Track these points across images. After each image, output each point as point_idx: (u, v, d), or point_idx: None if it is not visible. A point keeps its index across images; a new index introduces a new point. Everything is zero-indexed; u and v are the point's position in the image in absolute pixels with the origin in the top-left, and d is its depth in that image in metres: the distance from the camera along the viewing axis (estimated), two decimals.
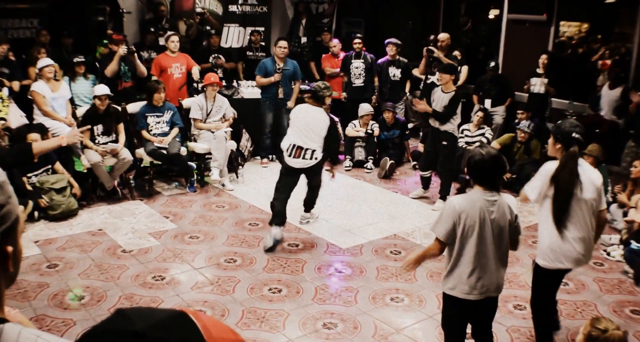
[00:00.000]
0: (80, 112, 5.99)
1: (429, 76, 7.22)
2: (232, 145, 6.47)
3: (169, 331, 0.76)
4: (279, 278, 4.32)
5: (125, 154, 5.73)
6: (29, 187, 5.10)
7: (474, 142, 6.82)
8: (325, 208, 5.76)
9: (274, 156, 7.31)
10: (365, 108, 7.18)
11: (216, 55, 7.39)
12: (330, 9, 9.17)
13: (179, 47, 6.75)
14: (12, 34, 7.37)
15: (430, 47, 7.18)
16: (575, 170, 3.09)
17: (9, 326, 0.89)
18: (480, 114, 6.95)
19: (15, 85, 6.02)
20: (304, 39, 8.57)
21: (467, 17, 9.54)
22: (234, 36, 8.41)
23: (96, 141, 5.75)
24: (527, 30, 8.03)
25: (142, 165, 6.05)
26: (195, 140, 6.37)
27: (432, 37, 7.97)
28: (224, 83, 6.95)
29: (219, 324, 0.84)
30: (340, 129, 7.33)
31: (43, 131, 5.33)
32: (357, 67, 7.55)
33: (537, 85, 7.30)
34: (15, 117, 5.62)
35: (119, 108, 5.99)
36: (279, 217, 4.85)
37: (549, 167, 3.15)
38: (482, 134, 6.90)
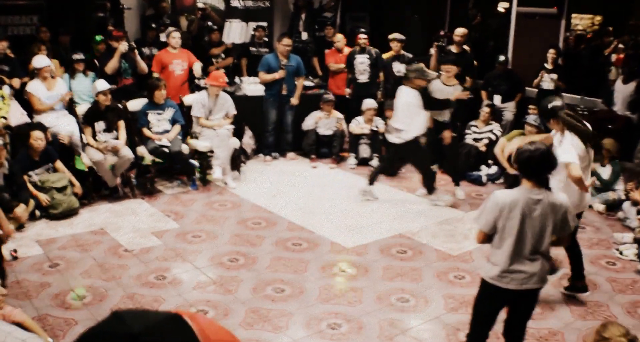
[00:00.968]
0: (80, 110, 5.93)
1: (440, 72, 7.10)
2: (235, 143, 6.39)
3: (163, 333, 0.76)
4: (283, 278, 4.25)
5: (126, 152, 5.66)
6: (30, 186, 5.05)
7: (481, 139, 6.70)
8: (329, 207, 5.68)
9: (277, 154, 7.22)
10: (368, 102, 7.07)
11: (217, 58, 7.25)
12: (333, 3, 9.04)
13: (180, 43, 6.67)
14: (11, 30, 7.32)
15: (441, 43, 7.05)
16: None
17: None
18: (486, 109, 6.82)
19: (16, 82, 5.96)
20: (304, 35, 8.44)
21: (476, 11, 9.38)
22: (236, 32, 8.32)
23: (97, 139, 5.69)
24: (538, 24, 7.88)
25: (143, 163, 5.98)
26: (197, 138, 6.30)
27: (442, 32, 7.82)
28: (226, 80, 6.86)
29: (215, 326, 0.85)
30: (344, 126, 7.24)
31: (43, 130, 5.28)
32: (361, 63, 7.43)
33: (547, 81, 7.16)
34: (16, 116, 5.56)
35: (120, 105, 5.93)
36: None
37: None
38: (491, 131, 6.77)
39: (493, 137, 6.63)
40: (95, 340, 0.78)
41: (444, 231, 5.12)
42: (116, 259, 4.50)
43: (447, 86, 5.63)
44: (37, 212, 5.10)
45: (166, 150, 5.88)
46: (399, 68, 7.48)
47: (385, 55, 7.51)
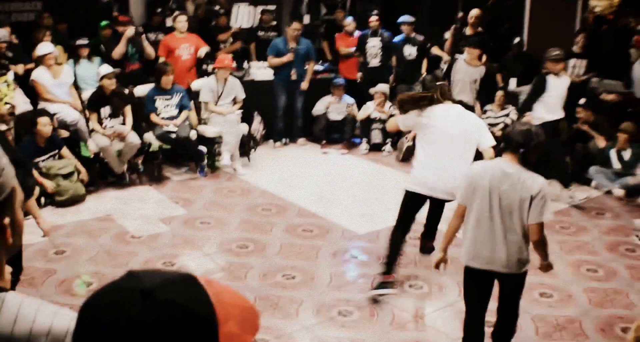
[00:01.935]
0: (85, 95, 5.85)
1: (456, 55, 6.89)
2: (244, 128, 6.28)
3: (177, 290, 0.78)
4: (293, 264, 4.16)
5: (133, 138, 5.57)
6: (35, 173, 4.98)
7: (497, 124, 6.53)
8: (341, 193, 5.57)
9: (287, 140, 7.11)
10: (378, 87, 6.91)
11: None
12: None
13: (186, 27, 6.54)
14: (15, 17, 7.24)
15: (458, 25, 6.86)
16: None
17: (11, 295, 0.92)
18: (500, 92, 6.64)
19: (20, 68, 5.88)
20: (306, 18, 8.23)
21: None
22: (243, 15, 8.17)
23: (103, 125, 5.61)
24: (554, 5, 7.63)
25: (150, 149, 5.90)
26: (205, 124, 6.19)
27: (460, 14, 7.59)
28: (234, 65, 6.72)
29: (229, 290, 0.86)
30: (356, 111, 7.09)
31: (49, 116, 5.20)
32: (373, 46, 7.25)
33: (577, 68, 6.90)
34: (19, 103, 5.48)
35: (126, 90, 5.83)
36: None
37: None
38: (507, 115, 6.58)
39: (508, 121, 6.45)
40: (109, 295, 0.78)
41: None
42: (123, 246, 4.43)
43: (471, 67, 5.53)
44: (43, 199, 5.04)
45: (174, 136, 5.79)
46: (410, 51, 7.29)
47: (395, 39, 7.34)
